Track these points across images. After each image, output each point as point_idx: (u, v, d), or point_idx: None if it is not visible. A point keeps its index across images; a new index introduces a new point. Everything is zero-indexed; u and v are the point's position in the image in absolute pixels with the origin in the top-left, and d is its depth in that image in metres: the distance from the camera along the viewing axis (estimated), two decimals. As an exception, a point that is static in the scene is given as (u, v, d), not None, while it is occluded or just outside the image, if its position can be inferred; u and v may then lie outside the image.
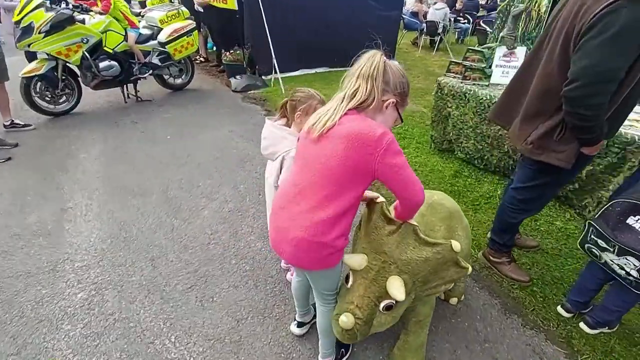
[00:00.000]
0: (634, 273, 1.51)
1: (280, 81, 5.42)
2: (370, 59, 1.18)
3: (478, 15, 10.07)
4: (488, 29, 7.03)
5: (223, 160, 3.55)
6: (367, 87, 1.17)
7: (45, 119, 4.28)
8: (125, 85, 4.82)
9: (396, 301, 1.27)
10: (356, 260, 1.31)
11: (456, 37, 10.14)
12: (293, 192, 1.22)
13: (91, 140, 3.86)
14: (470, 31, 10.01)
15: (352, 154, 1.11)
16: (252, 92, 5.55)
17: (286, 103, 1.70)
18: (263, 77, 5.90)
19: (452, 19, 9.23)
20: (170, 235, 2.49)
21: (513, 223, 2.06)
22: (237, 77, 5.68)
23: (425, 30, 8.71)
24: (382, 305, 1.28)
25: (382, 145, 1.10)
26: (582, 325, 1.89)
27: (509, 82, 1.94)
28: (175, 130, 4.19)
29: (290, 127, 1.70)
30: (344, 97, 1.20)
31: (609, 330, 1.87)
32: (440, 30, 8.41)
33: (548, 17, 3.15)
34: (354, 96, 1.18)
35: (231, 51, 5.74)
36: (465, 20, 9.89)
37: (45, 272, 2.14)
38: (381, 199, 1.41)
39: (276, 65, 5.43)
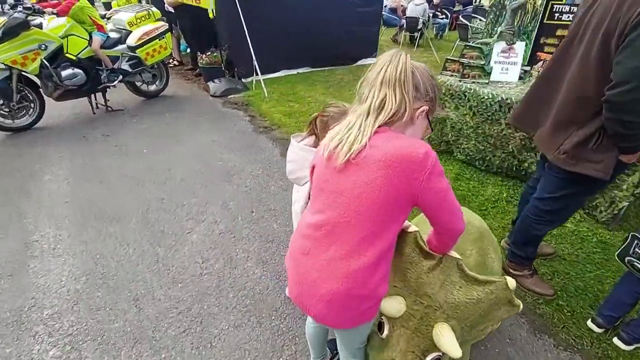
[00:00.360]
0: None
1: (262, 83, 5.13)
2: (394, 61, 0.95)
3: (455, 10, 10.08)
4: (468, 23, 6.99)
5: (207, 174, 3.25)
6: (395, 96, 0.95)
7: (3, 135, 3.84)
8: (93, 95, 4.41)
9: (443, 353, 1.07)
10: (393, 305, 1.09)
11: (434, 32, 10.11)
12: (318, 235, 0.98)
13: (57, 158, 3.46)
14: (448, 26, 10.01)
15: (393, 181, 0.90)
16: (232, 96, 5.23)
17: (316, 119, 1.46)
18: (243, 79, 5.59)
19: (431, 15, 9.18)
20: (155, 267, 2.19)
21: (538, 235, 1.90)
22: (216, 80, 5.35)
23: (405, 26, 8.60)
24: (428, 359, 1.07)
25: (427, 167, 0.90)
26: (616, 340, 1.76)
27: (532, 85, 1.78)
28: (152, 142, 3.84)
29: None
30: (368, 111, 0.97)
31: (644, 345, 1.75)
32: (420, 26, 8.32)
33: (544, 11, 3.04)
34: (382, 109, 0.95)
35: (207, 53, 5.39)
36: (444, 16, 9.88)
37: (7, 325, 1.81)
38: (413, 227, 1.20)
39: (257, 66, 5.13)
